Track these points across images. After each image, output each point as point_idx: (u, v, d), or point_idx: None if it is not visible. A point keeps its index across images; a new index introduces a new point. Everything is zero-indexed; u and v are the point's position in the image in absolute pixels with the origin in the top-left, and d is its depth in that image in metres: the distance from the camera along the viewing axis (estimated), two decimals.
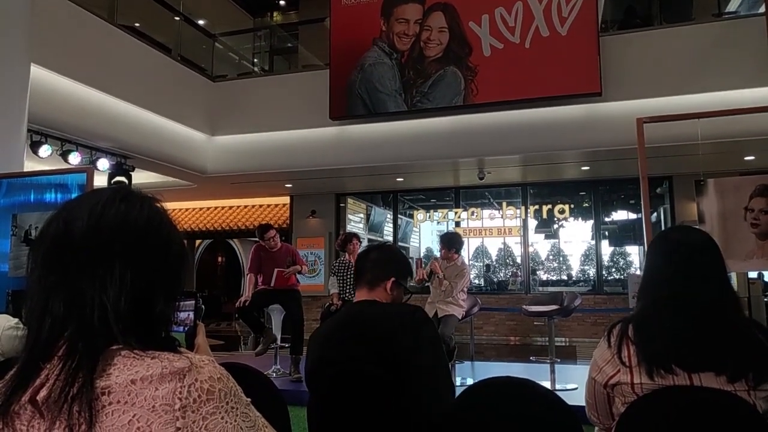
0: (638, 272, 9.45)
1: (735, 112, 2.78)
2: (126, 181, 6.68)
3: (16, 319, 1.90)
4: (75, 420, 0.60)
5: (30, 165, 5.53)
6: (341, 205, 9.56)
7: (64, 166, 5.68)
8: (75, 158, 5.92)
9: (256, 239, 5.19)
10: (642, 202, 2.94)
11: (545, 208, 8.61)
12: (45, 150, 5.60)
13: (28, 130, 5.22)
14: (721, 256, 1.29)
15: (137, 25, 7.89)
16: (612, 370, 1.23)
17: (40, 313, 0.67)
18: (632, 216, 9.68)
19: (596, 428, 1.38)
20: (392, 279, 1.63)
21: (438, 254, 5.03)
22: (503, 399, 1.35)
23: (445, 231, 9.16)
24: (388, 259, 1.69)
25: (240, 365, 1.61)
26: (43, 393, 0.62)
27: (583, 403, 1.35)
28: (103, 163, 6.33)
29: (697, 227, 1.46)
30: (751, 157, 6.61)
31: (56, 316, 0.66)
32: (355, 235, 5.31)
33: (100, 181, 5.99)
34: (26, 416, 0.63)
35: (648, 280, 1.30)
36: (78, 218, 0.69)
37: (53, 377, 0.63)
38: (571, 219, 9.56)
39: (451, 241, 4.76)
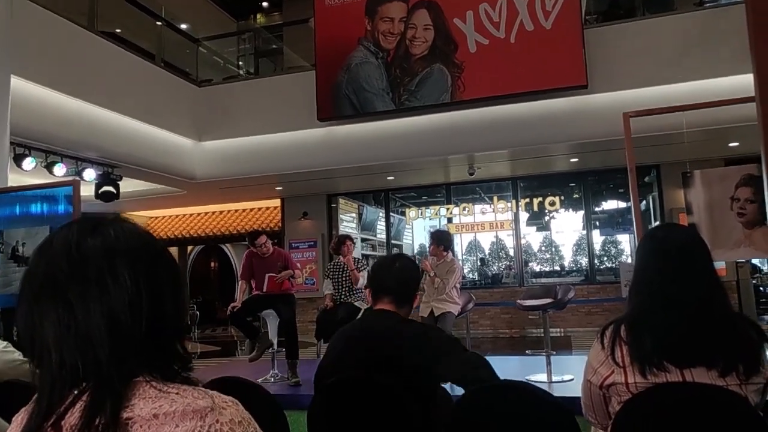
0: (629, 260, 9.54)
1: (718, 104, 2.81)
2: (114, 190, 6.61)
3: (5, 342, 1.88)
4: None
5: (14, 178, 5.46)
6: (333, 205, 9.54)
7: (49, 177, 5.61)
8: (60, 170, 5.84)
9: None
10: (631, 194, 2.96)
11: (536, 201, 8.66)
12: (29, 162, 5.53)
13: (11, 143, 5.14)
14: (708, 251, 1.31)
15: (118, 31, 7.80)
16: (606, 371, 1.25)
17: (48, 349, 0.66)
18: (622, 205, 9.78)
19: (593, 428, 1.39)
20: (417, 295, 1.78)
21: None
22: (502, 403, 1.36)
23: (437, 227, 9.19)
24: (414, 279, 1.78)
25: (233, 379, 1.61)
26: (69, 422, 0.62)
27: (580, 394, 1.36)
28: (90, 174, 6.26)
29: (683, 224, 1.48)
30: (736, 144, 6.69)
31: (68, 351, 0.65)
32: (348, 237, 5.31)
33: (88, 191, 5.93)
34: None
35: (637, 279, 1.32)
36: (58, 259, 0.68)
37: (79, 407, 0.63)
38: (562, 210, 9.63)
39: (440, 239, 4.78)
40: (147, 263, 0.70)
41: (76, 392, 0.64)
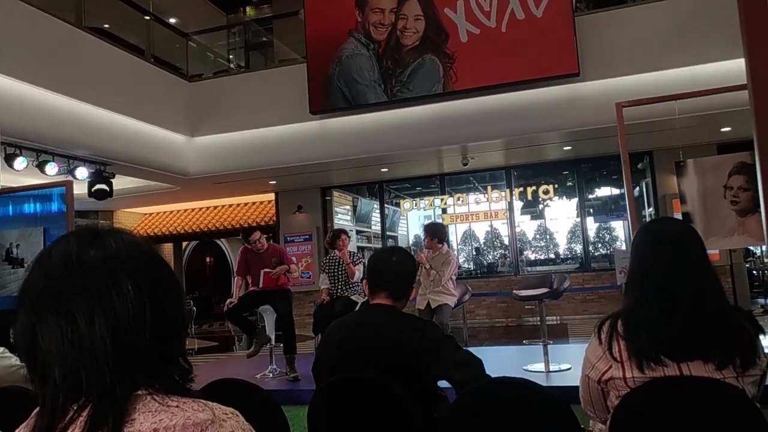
0: (623, 247, 9.60)
1: (710, 92, 2.81)
2: (107, 188, 6.56)
3: (2, 348, 1.87)
4: None
5: (6, 178, 5.41)
6: (327, 198, 9.52)
7: (41, 176, 5.56)
8: (52, 169, 5.78)
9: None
10: (625, 184, 2.98)
11: (530, 190, 8.68)
12: (20, 162, 5.47)
13: (1, 143, 5.10)
14: (702, 243, 1.31)
15: (106, 26, 7.70)
16: (604, 366, 1.26)
17: (51, 363, 0.65)
18: (615, 191, 9.83)
19: (591, 421, 1.41)
20: (413, 288, 1.81)
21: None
22: (500, 400, 1.37)
23: (432, 219, 9.20)
24: (412, 272, 1.81)
25: (232, 381, 1.61)
26: None
27: (578, 384, 1.37)
28: (82, 172, 6.20)
29: (678, 217, 1.48)
30: (728, 128, 6.72)
31: (70, 364, 0.64)
32: (343, 231, 5.31)
33: (81, 189, 5.88)
34: None
35: (633, 274, 1.32)
36: (58, 271, 0.67)
37: (80, 422, 0.62)
38: (556, 198, 9.67)
39: (434, 231, 4.80)
40: (147, 273, 0.70)
41: (75, 407, 0.63)
